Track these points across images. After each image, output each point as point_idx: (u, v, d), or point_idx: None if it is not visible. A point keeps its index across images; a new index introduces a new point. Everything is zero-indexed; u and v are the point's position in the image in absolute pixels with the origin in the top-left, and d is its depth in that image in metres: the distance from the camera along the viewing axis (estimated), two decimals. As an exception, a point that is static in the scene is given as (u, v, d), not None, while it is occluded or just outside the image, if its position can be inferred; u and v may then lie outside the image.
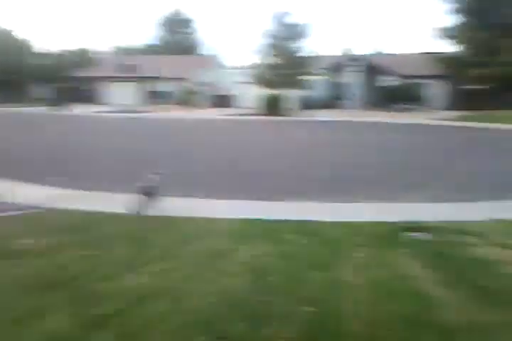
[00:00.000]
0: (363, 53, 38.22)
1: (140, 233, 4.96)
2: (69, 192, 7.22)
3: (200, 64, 40.70)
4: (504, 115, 23.46)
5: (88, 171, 9.41)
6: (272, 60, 30.46)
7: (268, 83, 29.61)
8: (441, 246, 4.43)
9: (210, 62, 41.60)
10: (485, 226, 5.15)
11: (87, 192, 7.17)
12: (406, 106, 30.95)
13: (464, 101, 32.72)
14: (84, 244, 4.52)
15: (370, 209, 6.28)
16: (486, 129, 19.99)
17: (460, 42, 32.59)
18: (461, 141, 16.40)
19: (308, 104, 31.94)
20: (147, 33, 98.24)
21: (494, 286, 3.48)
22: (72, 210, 5.94)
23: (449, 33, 32.50)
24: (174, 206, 6.00)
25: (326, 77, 35.07)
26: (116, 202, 6.10)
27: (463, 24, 32.47)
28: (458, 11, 32.70)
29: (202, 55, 56.94)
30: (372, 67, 34.45)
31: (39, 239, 4.58)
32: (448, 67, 31.93)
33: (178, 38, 63.41)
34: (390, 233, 4.90)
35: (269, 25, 29.85)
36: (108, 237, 4.78)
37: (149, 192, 5.73)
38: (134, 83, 33.46)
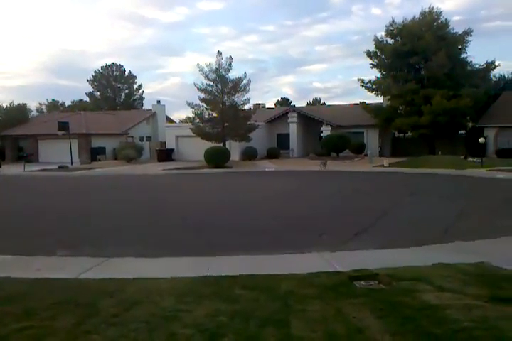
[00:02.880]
0: (301, 105, 40.06)
1: (83, 299, 4.66)
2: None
3: (139, 118, 40.75)
4: (433, 160, 25.30)
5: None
6: (211, 113, 31.08)
7: (209, 136, 29.98)
8: (390, 295, 4.50)
9: (150, 116, 41.78)
10: (427, 271, 5.32)
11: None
12: (344, 154, 32.32)
13: (399, 147, 34.92)
14: (23, 314, 4.18)
15: (317, 258, 6.31)
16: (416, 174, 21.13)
17: (382, 94, 35.26)
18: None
19: (250, 155, 32.57)
20: (81, 88, 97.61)
21: (442, 332, 3.56)
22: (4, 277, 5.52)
23: (371, 85, 35.08)
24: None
25: (267, 129, 36.26)
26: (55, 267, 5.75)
27: (382, 77, 35.29)
28: (376, 66, 35.64)
29: (141, 109, 57.30)
30: (310, 118, 36.08)
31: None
32: (377, 116, 34.20)
33: (114, 93, 63.48)
34: (340, 283, 4.93)
35: (205, 79, 30.68)
36: (48, 305, 4.45)
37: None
38: (71, 140, 32.62)
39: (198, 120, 31.21)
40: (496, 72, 38.29)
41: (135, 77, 64.41)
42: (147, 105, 58.71)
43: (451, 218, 9.68)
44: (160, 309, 4.28)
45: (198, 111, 31.01)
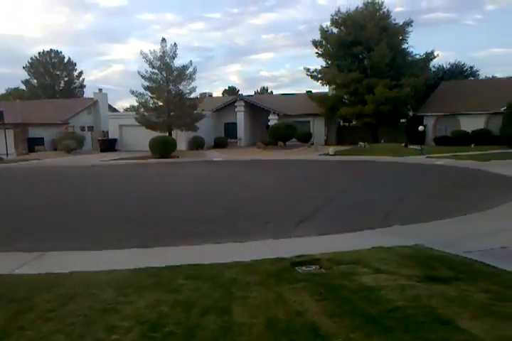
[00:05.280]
0: (249, 94, 40.07)
1: (17, 294, 4.45)
2: None
3: (80, 107, 39.29)
4: (376, 148, 26.19)
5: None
6: (156, 102, 30.47)
7: (154, 125, 29.38)
8: (329, 278, 4.62)
9: (92, 104, 40.35)
10: (365, 255, 5.50)
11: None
12: (291, 143, 32.69)
13: (344, 136, 35.76)
14: None
15: (262, 246, 6.37)
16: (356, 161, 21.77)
17: (327, 83, 35.89)
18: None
19: (198, 144, 32.31)
20: (16, 75, 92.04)
21: (377, 312, 3.69)
22: None
23: (317, 75, 35.60)
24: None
25: (214, 118, 36.05)
26: None
27: (327, 67, 35.91)
28: (321, 55, 36.20)
29: (82, 97, 55.17)
30: (257, 107, 36.18)
31: None
32: (323, 106, 34.79)
33: (52, 80, 60.76)
34: (283, 269, 5.00)
35: (149, 66, 29.99)
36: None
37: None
38: (7, 130, 30.88)
39: (142, 109, 30.50)
40: (435, 63, 39.82)
41: (75, 64, 61.85)
42: (89, 93, 56.55)
43: (392, 203, 10.05)
44: (98, 302, 4.16)
45: (143, 100, 30.32)
